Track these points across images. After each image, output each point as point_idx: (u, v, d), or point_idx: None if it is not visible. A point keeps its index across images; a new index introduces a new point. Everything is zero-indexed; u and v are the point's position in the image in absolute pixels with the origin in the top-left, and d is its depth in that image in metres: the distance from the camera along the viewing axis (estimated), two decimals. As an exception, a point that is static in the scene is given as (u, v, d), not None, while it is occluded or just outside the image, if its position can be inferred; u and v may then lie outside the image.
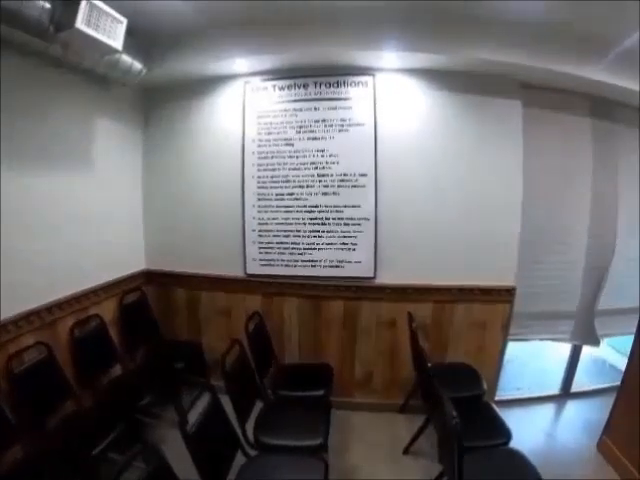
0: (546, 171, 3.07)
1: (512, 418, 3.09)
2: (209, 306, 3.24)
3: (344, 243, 2.97)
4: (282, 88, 2.98)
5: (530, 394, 3.46)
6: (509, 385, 3.50)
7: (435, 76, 2.80)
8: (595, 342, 3.30)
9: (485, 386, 2.63)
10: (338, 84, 2.94)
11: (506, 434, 2.18)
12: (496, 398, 3.24)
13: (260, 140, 3.03)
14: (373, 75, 2.88)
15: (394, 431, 2.93)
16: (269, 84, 2.98)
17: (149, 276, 3.29)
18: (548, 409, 3.40)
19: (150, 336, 3.11)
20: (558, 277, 3.19)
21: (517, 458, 1.99)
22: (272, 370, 2.79)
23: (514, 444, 2.18)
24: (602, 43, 2.58)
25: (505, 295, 2.91)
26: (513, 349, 3.51)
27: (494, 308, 2.93)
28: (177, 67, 2.78)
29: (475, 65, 2.64)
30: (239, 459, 1.97)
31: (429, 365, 2.40)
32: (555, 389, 3.52)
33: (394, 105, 2.86)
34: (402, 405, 3.08)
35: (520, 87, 2.85)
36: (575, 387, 3.51)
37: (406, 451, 2.70)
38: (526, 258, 3.00)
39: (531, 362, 3.92)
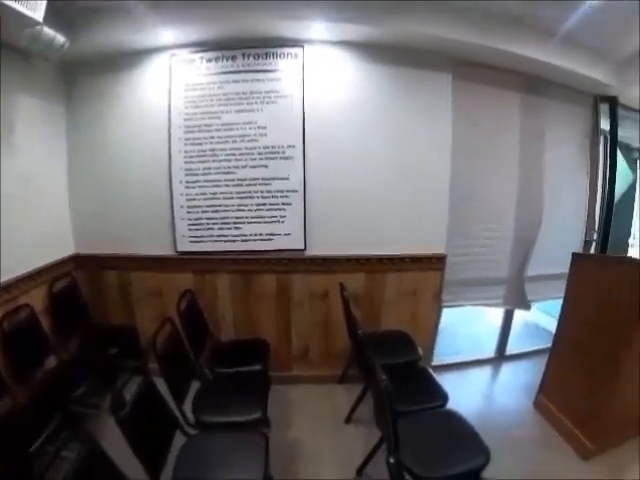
0: (475, 143, 3.10)
1: (450, 382, 3.14)
2: (140, 287, 3.13)
3: (273, 216, 2.91)
4: (210, 60, 2.85)
5: (467, 358, 3.53)
6: (446, 350, 3.56)
7: (366, 49, 2.76)
8: (526, 306, 3.39)
9: (420, 352, 2.66)
10: (267, 56, 2.84)
11: (443, 396, 2.22)
12: (433, 363, 3.31)
13: (187, 114, 2.91)
14: (302, 47, 2.80)
15: (335, 401, 2.94)
16: (196, 56, 2.85)
17: (79, 260, 3.13)
18: (485, 372, 3.50)
19: (83, 323, 2.97)
20: (488, 245, 3.25)
21: (454, 418, 2.03)
22: (208, 348, 2.72)
23: (454, 407, 2.21)
24: (539, 23, 2.65)
25: (436, 263, 2.94)
26: (449, 316, 3.56)
27: (425, 276, 2.96)
28: (100, 40, 2.61)
29: (406, 39, 2.62)
30: (181, 440, 1.91)
31: (361, 334, 2.37)
32: (491, 353, 3.57)
33: (324, 77, 2.80)
34: (341, 375, 3.08)
35: (451, 62, 2.86)
36: (510, 350, 3.60)
37: (348, 420, 2.72)
38: (456, 227, 3.05)
39: (467, 328, 4.00)
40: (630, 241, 5.41)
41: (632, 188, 5.58)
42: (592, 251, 3.78)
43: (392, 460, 1.68)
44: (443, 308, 3.21)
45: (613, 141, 3.67)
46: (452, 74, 2.89)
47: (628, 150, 5.38)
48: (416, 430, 1.92)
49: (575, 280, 2.82)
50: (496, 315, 3.69)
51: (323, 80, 2.81)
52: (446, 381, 3.12)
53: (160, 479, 1.58)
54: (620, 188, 5.88)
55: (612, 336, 2.49)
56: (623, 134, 4.23)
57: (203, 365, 2.53)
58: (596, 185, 3.71)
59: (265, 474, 1.65)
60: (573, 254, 2.80)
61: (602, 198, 3.72)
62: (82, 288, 3.12)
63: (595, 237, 3.72)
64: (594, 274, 2.70)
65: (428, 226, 2.91)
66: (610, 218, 3.68)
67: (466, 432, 1.92)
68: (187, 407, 2.09)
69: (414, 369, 2.55)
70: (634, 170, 5.47)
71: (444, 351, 3.56)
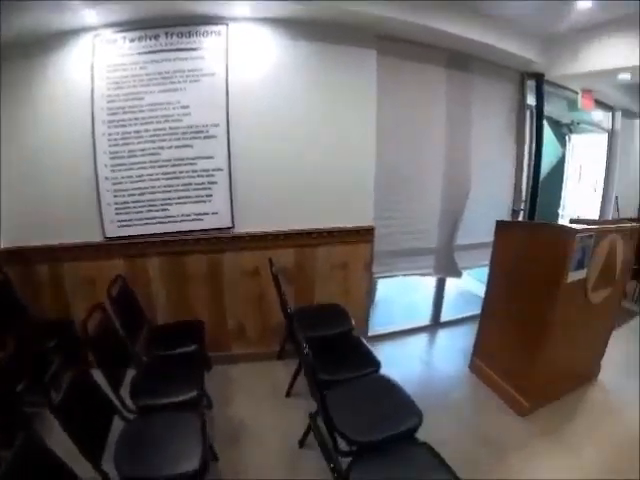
0: (401, 117, 3.17)
1: (389, 350, 3.26)
2: (73, 278, 3.04)
3: (199, 196, 2.89)
4: (132, 40, 2.78)
5: (404, 327, 3.63)
6: (386, 320, 3.68)
7: (290, 26, 2.75)
8: (457, 274, 3.50)
9: (353, 322, 2.70)
10: (190, 34, 2.79)
11: (375, 363, 2.30)
12: (370, 334, 3.38)
13: (109, 96, 2.83)
14: (226, 25, 2.76)
15: (274, 377, 2.97)
16: (119, 36, 2.77)
17: (9, 255, 3.00)
18: (422, 339, 3.61)
19: (18, 320, 2.85)
20: (417, 217, 3.35)
21: (386, 383, 2.09)
22: (145, 332, 2.69)
23: (394, 374, 2.26)
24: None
25: (365, 235, 3.01)
26: (387, 286, 3.64)
27: (355, 248, 3.02)
28: (19, 22, 2.48)
29: (330, 14, 2.63)
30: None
31: (289, 308, 2.43)
32: (426, 320, 3.67)
33: (248, 55, 2.78)
34: (279, 351, 3.12)
35: (376, 38, 2.90)
36: (446, 317, 3.71)
37: (288, 394, 2.76)
38: (385, 200, 3.12)
39: (406, 297, 4.10)
40: (559, 211, 5.65)
41: (561, 161, 5.82)
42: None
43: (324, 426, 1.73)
44: (378, 279, 3.26)
45: (539, 116, 3.80)
46: (377, 50, 2.93)
47: (558, 126, 5.62)
48: (350, 397, 1.98)
49: (499, 246, 2.94)
50: (433, 284, 3.79)
51: (247, 58, 2.79)
52: (385, 350, 3.24)
53: (102, 465, 1.57)
54: (550, 161, 6.14)
55: (537, 298, 2.63)
56: (550, 110, 4.41)
57: (140, 350, 2.51)
58: (523, 158, 3.84)
59: (202, 451, 1.65)
60: (497, 221, 2.91)
61: (529, 170, 3.84)
62: (15, 283, 2.97)
63: (522, 207, 3.86)
64: (517, 240, 2.82)
65: (355, 199, 2.97)
66: (537, 189, 3.83)
67: (398, 396, 1.98)
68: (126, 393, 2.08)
69: (347, 339, 2.60)
70: (563, 144, 5.71)
71: (383, 321, 3.63)
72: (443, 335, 3.63)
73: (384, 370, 2.84)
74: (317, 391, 1.73)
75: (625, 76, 3.57)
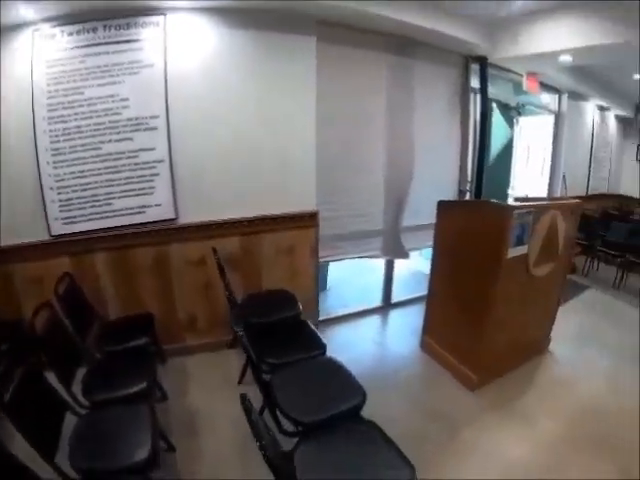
0: (344, 102, 3.23)
1: (342, 333, 3.32)
2: (21, 278, 2.99)
3: (142, 188, 2.89)
4: (71, 34, 2.74)
5: (356, 309, 3.72)
6: (337, 303, 3.77)
7: (229, 15, 2.77)
8: (404, 255, 3.59)
9: (300, 306, 2.74)
10: (128, 26, 2.78)
11: (321, 346, 2.35)
12: (323, 317, 3.46)
13: (49, 91, 2.80)
14: (164, 15, 2.75)
15: (227, 366, 3.00)
16: (57, 30, 2.73)
17: None
18: (374, 321, 3.70)
19: None
20: (362, 200, 3.42)
21: (330, 363, 2.15)
22: (96, 328, 2.69)
23: (347, 356, 2.33)
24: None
25: (309, 220, 3.07)
26: (341, 270, 3.69)
27: (300, 234, 3.08)
28: None
29: (269, 2, 2.65)
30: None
31: (228, 295, 2.47)
32: (379, 302, 3.78)
33: (186, 45, 2.79)
34: (231, 340, 3.14)
35: (316, 24, 2.94)
36: (398, 297, 3.80)
37: (240, 382, 2.80)
38: (329, 185, 3.19)
39: (358, 280, 4.17)
40: (509, 191, 5.81)
41: (510, 143, 5.98)
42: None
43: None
44: (329, 264, 3.31)
45: (483, 98, 3.89)
46: (317, 36, 2.97)
47: (507, 109, 5.76)
48: (295, 379, 2.02)
49: (441, 226, 3.02)
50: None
51: (185, 48, 2.79)
52: (338, 332, 3.30)
53: (55, 461, 1.60)
54: (500, 144, 6.30)
55: (479, 274, 2.72)
56: (497, 93, 4.53)
57: (92, 346, 2.51)
58: (468, 139, 3.93)
59: (152, 441, 1.68)
60: (439, 202, 2.99)
61: (474, 151, 3.94)
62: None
63: (468, 187, 3.96)
64: (458, 219, 2.91)
65: (298, 185, 3.02)
66: (482, 169, 3.94)
67: (343, 376, 2.03)
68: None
69: (294, 323, 2.65)
70: (512, 127, 5.86)
71: (337, 304, 3.72)
72: (395, 315, 3.73)
73: (337, 353, 2.87)
74: (255, 374, 1.84)
75: (566, 58, 3.68)
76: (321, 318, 3.54)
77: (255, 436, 1.21)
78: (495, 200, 2.70)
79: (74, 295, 2.69)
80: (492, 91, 4.40)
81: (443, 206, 3.03)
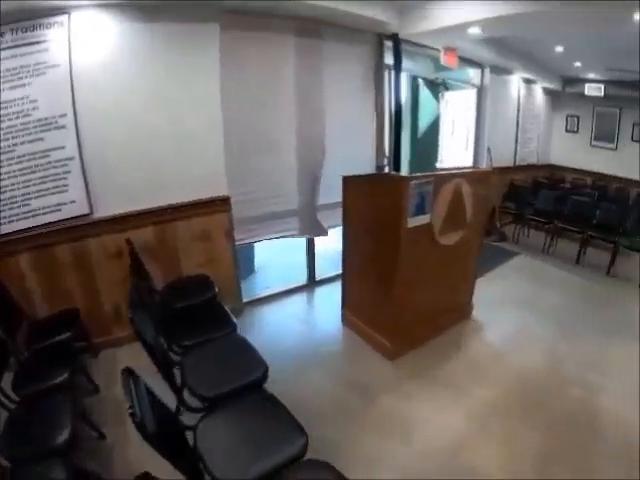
0: (252, 86, 3.34)
1: (267, 313, 3.45)
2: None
3: (56, 186, 2.96)
4: None
5: (282, 288, 3.89)
6: (265, 284, 3.96)
7: (133, 10, 2.85)
8: (323, 233, 3.74)
9: (216, 289, 2.86)
10: (34, 28, 2.82)
11: (232, 325, 2.48)
12: (248, 299, 3.63)
13: None
14: (68, 14, 2.81)
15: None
16: None
17: None
18: (300, 299, 3.88)
19: None
20: (276, 181, 3.56)
21: (237, 341, 2.29)
22: (25, 327, 2.78)
23: (270, 336, 2.68)
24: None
25: (221, 205, 3.19)
26: (266, 252, 3.81)
27: (214, 219, 3.20)
28: None
29: None
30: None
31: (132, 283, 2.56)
32: (304, 280, 3.96)
33: (90, 42, 2.85)
34: (156, 328, 3.22)
35: (222, 12, 3.03)
36: (323, 275, 3.96)
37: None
38: (241, 168, 3.32)
39: (286, 259, 4.33)
40: (437, 164, 6.02)
41: (438, 118, 6.17)
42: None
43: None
44: (253, 246, 3.44)
45: (397, 74, 4.03)
46: (221, 24, 3.07)
47: (433, 85, 5.95)
48: (204, 358, 2.14)
49: (348, 201, 3.16)
50: (318, 244, 4.04)
51: (89, 45, 2.86)
52: (265, 313, 3.43)
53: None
54: (428, 119, 6.48)
55: (383, 246, 2.86)
56: (418, 69, 4.67)
57: (21, 345, 2.62)
58: (384, 115, 4.07)
59: (72, 425, 1.83)
60: (343, 177, 3.11)
61: (390, 126, 4.09)
62: None
63: (386, 162, 4.12)
64: (362, 193, 3.06)
65: (208, 171, 3.14)
66: (399, 143, 4.09)
67: (248, 352, 2.17)
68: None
69: (210, 306, 2.78)
70: (439, 102, 6.05)
71: (265, 284, 3.91)
72: (320, 292, 3.92)
73: (263, 333, 3.16)
74: (155, 360, 1.91)
75: (475, 30, 3.83)
76: (247, 299, 3.67)
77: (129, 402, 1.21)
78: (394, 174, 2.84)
79: (1, 297, 2.76)
80: (414, 68, 4.56)
81: (348, 181, 3.16)
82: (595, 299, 4.25)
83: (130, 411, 1.17)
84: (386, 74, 4.16)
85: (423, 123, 6.13)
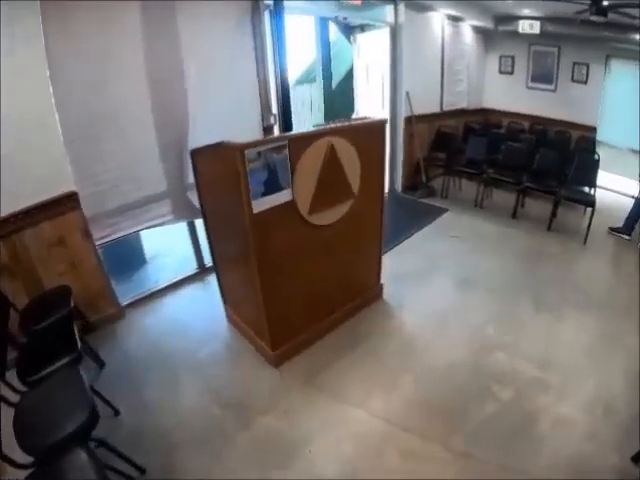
0: (93, 64, 2.73)
1: (151, 312, 3.11)
2: None
3: None
4: None
5: (169, 282, 3.46)
6: (157, 276, 3.57)
7: None
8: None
9: (72, 304, 2.40)
10: None
11: (75, 351, 2.08)
12: (128, 301, 3.22)
13: None
14: None
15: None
16: None
17: None
18: (190, 291, 3.42)
19: None
20: (134, 163, 2.99)
21: (72, 375, 1.87)
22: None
23: (151, 340, 2.52)
24: None
25: (68, 203, 2.67)
26: (159, 239, 3.41)
27: (66, 219, 2.69)
28: None
29: None
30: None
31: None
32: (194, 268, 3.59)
33: None
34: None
35: None
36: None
37: None
38: (90, 157, 2.81)
39: (178, 248, 3.89)
40: (353, 116, 5.54)
41: (352, 66, 5.59)
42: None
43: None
44: (139, 235, 3.06)
45: (278, 15, 3.35)
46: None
47: (349, 30, 5.33)
48: (37, 399, 1.79)
49: (199, 180, 2.64)
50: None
51: None
52: (147, 315, 3.04)
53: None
54: (344, 68, 5.91)
55: (238, 236, 2.31)
56: (311, 8, 4.05)
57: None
58: (267, 67, 3.53)
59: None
60: (191, 151, 2.57)
61: (277, 79, 3.55)
62: None
63: (273, 120, 3.60)
64: (209, 170, 2.52)
65: (48, 169, 2.57)
66: (288, 98, 3.58)
67: (77, 390, 1.79)
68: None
69: (64, 326, 2.29)
70: (352, 47, 5.45)
71: (157, 277, 3.54)
72: (212, 282, 3.27)
73: (140, 338, 2.84)
74: None
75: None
76: (134, 299, 3.27)
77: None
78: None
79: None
80: (309, 7, 3.97)
81: (196, 156, 2.55)
82: (534, 259, 3.86)
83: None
84: (267, 16, 3.49)
85: (339, 71, 5.55)
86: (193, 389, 2.45)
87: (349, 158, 2.46)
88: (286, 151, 2.12)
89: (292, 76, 6.39)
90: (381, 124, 2.72)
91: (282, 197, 2.21)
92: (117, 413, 2.26)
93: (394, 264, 3.57)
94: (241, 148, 1.95)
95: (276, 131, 3.75)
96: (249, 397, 2.37)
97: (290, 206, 2.27)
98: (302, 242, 2.42)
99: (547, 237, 4.32)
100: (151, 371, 2.58)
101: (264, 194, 2.11)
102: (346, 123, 2.66)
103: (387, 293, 3.24)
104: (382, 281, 3.21)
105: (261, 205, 2.11)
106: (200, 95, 3.17)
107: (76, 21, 2.63)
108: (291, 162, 2.18)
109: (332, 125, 2.59)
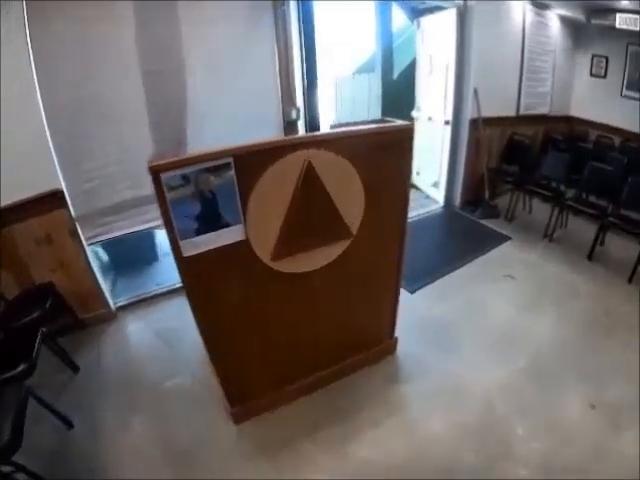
0: (83, 58, 2.59)
1: (139, 323, 2.96)
2: None
3: None
4: None
5: (170, 287, 3.31)
6: (164, 276, 3.42)
7: None
8: None
9: (47, 304, 2.43)
10: None
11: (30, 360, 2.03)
12: (122, 303, 3.13)
13: None
14: None
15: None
16: None
17: None
18: (178, 302, 3.10)
19: None
20: (129, 160, 2.83)
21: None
22: None
23: (128, 358, 2.41)
24: None
25: (52, 201, 2.57)
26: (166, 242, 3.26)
27: (52, 217, 2.60)
28: None
29: None
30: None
31: None
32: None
33: None
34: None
35: None
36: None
37: None
38: (80, 154, 2.71)
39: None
40: (414, 113, 5.03)
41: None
42: (302, 132, 3.28)
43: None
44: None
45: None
46: None
47: (414, 13, 4.67)
48: None
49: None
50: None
51: None
52: (135, 323, 2.97)
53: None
54: (409, 58, 5.13)
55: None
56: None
57: None
58: (289, 55, 3.17)
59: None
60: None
61: (302, 67, 3.18)
62: None
63: (295, 115, 3.27)
64: None
65: (36, 167, 2.48)
66: (314, 89, 3.21)
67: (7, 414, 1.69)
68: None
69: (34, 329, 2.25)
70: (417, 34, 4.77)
71: (168, 275, 3.35)
72: None
73: (116, 353, 2.70)
74: None
75: None
76: (127, 300, 3.17)
77: None
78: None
79: None
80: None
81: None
82: (604, 330, 2.76)
83: None
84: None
85: (403, 60, 4.86)
86: (146, 422, 2.21)
87: (341, 181, 1.75)
88: (232, 172, 1.53)
89: (353, 65, 5.89)
90: (405, 133, 1.92)
91: (229, 236, 1.65)
92: (71, 426, 2.18)
93: (425, 306, 3.02)
94: (156, 170, 1.42)
95: (300, 128, 3.35)
96: (199, 449, 2.04)
97: (245, 247, 1.70)
98: (267, 293, 1.89)
99: (626, 294, 3.14)
100: (115, 390, 2.43)
101: (199, 232, 1.60)
102: (362, 128, 1.89)
103: (402, 349, 2.59)
104: (398, 333, 2.55)
105: (195, 247, 1.59)
106: (207, 87, 2.90)
107: (69, 20, 2.47)
108: (242, 188, 1.58)
109: (321, 133, 2.02)
